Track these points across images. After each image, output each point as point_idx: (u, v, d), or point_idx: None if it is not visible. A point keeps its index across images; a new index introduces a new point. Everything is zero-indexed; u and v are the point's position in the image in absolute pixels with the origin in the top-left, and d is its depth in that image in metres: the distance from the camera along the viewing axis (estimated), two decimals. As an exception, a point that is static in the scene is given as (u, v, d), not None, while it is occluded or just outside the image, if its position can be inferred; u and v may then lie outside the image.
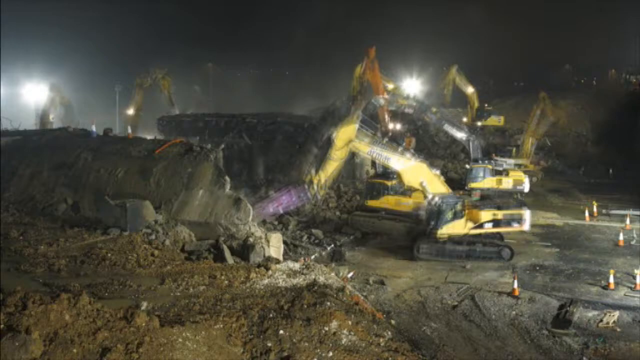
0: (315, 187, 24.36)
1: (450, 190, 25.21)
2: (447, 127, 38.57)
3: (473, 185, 35.76)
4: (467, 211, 24.68)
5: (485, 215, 24.58)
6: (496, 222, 24.66)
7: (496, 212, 24.71)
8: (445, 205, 24.53)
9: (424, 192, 24.56)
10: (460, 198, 25.18)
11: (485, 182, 35.79)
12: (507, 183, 35.81)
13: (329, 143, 24.39)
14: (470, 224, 24.63)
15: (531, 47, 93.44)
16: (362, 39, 52.46)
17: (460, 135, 38.27)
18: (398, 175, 25.13)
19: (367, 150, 24.06)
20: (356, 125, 24.01)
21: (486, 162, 36.89)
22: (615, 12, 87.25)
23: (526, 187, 36.20)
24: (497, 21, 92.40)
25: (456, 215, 24.61)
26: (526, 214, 24.93)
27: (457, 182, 37.95)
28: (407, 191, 28.10)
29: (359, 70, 47.83)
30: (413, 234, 25.76)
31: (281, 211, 26.32)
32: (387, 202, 29.18)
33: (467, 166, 37.60)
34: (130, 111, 54.17)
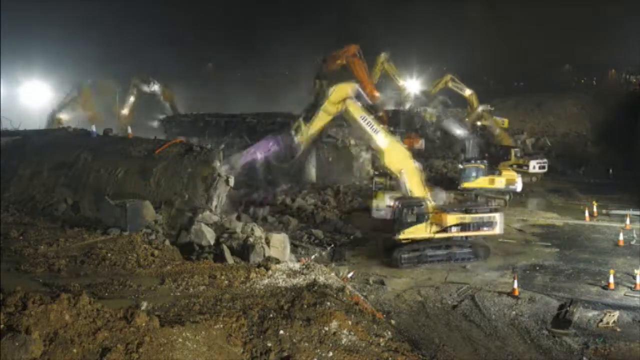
0: (302, 134, 23.86)
1: (426, 191, 24.52)
2: (446, 125, 38.53)
3: (466, 185, 35.89)
4: (431, 215, 23.99)
5: (451, 219, 23.81)
6: (464, 227, 23.91)
7: (463, 216, 23.97)
8: (406, 208, 23.82)
9: (400, 182, 24.17)
10: (423, 201, 24.05)
11: (478, 181, 35.84)
12: (499, 183, 35.86)
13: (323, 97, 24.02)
14: (435, 228, 23.84)
15: (531, 47, 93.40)
16: (362, 39, 52.43)
17: (459, 132, 38.20)
18: (380, 153, 24.43)
19: (360, 115, 23.61)
20: (355, 86, 23.85)
21: (479, 162, 36.88)
22: (615, 12, 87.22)
23: (519, 187, 36.25)
24: (497, 21, 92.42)
25: (418, 219, 23.74)
26: (497, 217, 24.19)
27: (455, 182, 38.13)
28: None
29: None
30: (389, 243, 24.83)
31: (259, 157, 25.78)
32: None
33: (460, 166, 37.61)
34: (125, 111, 53.94)
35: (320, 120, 23.99)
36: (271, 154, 25.43)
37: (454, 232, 23.98)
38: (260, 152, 25.38)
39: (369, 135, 24.00)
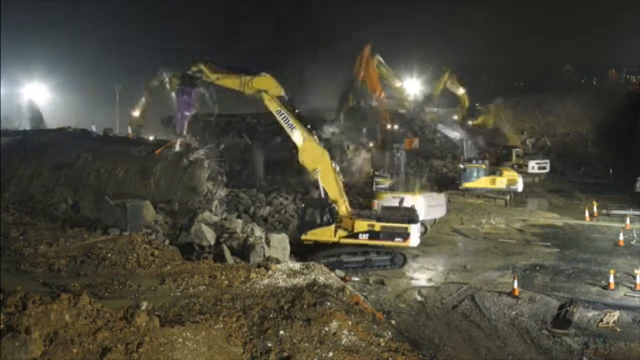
0: (206, 76, 23.44)
1: (342, 193, 23.61)
2: (441, 127, 38.76)
3: (467, 185, 35.97)
4: (342, 219, 23.24)
5: (360, 225, 22.76)
6: (374, 234, 22.68)
7: (373, 223, 22.79)
8: (311, 208, 23.24)
9: (315, 181, 23.79)
10: (330, 204, 23.13)
11: (479, 181, 35.97)
12: (500, 183, 35.95)
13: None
14: (343, 232, 22.93)
15: (531, 47, 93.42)
16: (362, 39, 52.38)
17: (454, 135, 38.44)
18: (296, 150, 23.85)
19: (275, 109, 23.36)
20: (277, 85, 23.45)
21: (479, 162, 36.98)
22: (615, 12, 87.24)
23: (520, 187, 36.28)
24: (498, 21, 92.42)
25: (323, 222, 22.80)
26: (412, 228, 22.74)
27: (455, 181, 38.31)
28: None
29: (355, 68, 48.00)
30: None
31: (187, 114, 24.77)
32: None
33: (461, 166, 37.68)
34: (136, 112, 53.67)
35: (229, 82, 23.72)
36: (192, 103, 24.61)
37: (362, 240, 22.84)
38: (183, 110, 24.51)
39: (286, 131, 23.83)
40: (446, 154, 49.46)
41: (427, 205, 27.63)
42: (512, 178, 36.21)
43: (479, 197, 35.98)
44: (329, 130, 42.84)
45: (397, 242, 22.82)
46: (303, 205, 23.81)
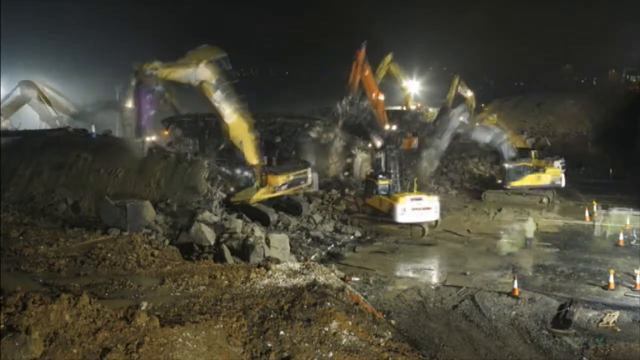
0: (160, 74, 23.72)
1: (259, 159, 28.20)
2: (476, 136, 38.85)
3: (514, 183, 36.37)
4: (264, 179, 28.32)
5: (282, 178, 28.94)
6: (290, 184, 29.38)
7: (289, 174, 29.35)
8: (239, 174, 28.08)
9: (242, 153, 27.20)
10: (252, 168, 28.01)
11: (525, 179, 36.44)
12: (545, 179, 36.60)
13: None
14: (269, 189, 28.37)
15: (531, 47, 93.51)
16: (362, 39, 52.43)
17: (488, 138, 38.06)
18: (227, 128, 26.57)
19: (213, 96, 25.23)
20: (219, 50, 24.65)
21: (523, 160, 37.25)
22: (615, 12, 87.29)
23: (563, 182, 36.99)
24: (498, 22, 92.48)
25: (248, 183, 28.05)
26: (309, 172, 30.58)
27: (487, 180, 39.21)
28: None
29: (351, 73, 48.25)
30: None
31: (145, 117, 24.72)
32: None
33: (506, 165, 37.28)
34: (130, 104, 53.02)
35: (179, 72, 24.30)
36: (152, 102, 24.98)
37: (282, 192, 29.14)
38: (144, 111, 24.45)
39: (218, 112, 25.85)
40: (474, 154, 48.23)
41: (412, 208, 28.11)
42: (556, 174, 36.92)
43: (521, 194, 36.33)
44: (321, 130, 42.91)
45: (302, 185, 30.55)
46: (235, 172, 28.56)
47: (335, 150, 41.95)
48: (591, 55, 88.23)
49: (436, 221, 29.26)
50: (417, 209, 28.26)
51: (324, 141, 41.68)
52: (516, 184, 36.39)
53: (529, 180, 36.39)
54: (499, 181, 37.38)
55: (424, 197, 28.92)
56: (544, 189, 36.51)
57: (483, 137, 38.15)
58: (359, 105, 50.37)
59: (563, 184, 37.11)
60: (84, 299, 10.66)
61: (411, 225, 28.46)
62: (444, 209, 33.81)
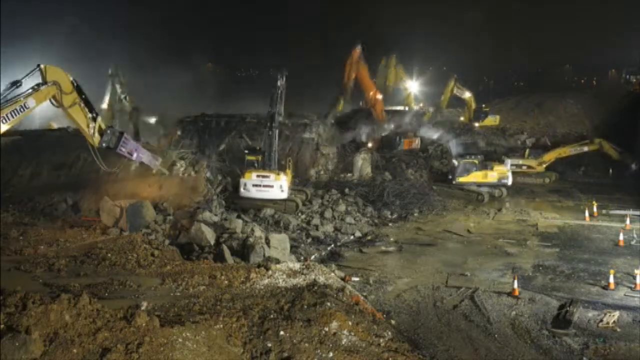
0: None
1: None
2: (423, 132, 40.33)
3: (461, 179, 37.58)
4: None
5: None
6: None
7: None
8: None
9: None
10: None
11: (472, 176, 37.54)
12: (492, 177, 37.65)
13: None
14: None
15: (531, 47, 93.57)
16: (362, 40, 52.38)
17: (435, 136, 39.84)
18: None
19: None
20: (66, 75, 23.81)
21: (472, 157, 38.56)
22: (615, 12, 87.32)
23: (509, 180, 38.04)
24: (498, 22, 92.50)
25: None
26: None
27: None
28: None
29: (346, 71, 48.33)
30: None
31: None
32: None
33: (455, 162, 38.92)
34: (104, 105, 51.96)
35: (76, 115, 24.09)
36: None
37: None
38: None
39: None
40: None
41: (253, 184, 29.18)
42: (502, 172, 38.06)
43: (462, 190, 37.43)
44: (313, 132, 42.94)
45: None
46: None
47: (334, 150, 41.94)
48: (591, 55, 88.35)
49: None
50: (258, 185, 29.16)
51: (322, 141, 41.68)
52: (463, 180, 37.61)
53: (474, 177, 37.58)
54: (450, 177, 38.80)
55: (272, 175, 29.54)
56: (492, 186, 37.52)
57: (431, 134, 39.42)
58: (360, 104, 50.43)
59: (510, 182, 38.14)
60: (84, 299, 10.67)
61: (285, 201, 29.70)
62: (444, 209, 34.06)
